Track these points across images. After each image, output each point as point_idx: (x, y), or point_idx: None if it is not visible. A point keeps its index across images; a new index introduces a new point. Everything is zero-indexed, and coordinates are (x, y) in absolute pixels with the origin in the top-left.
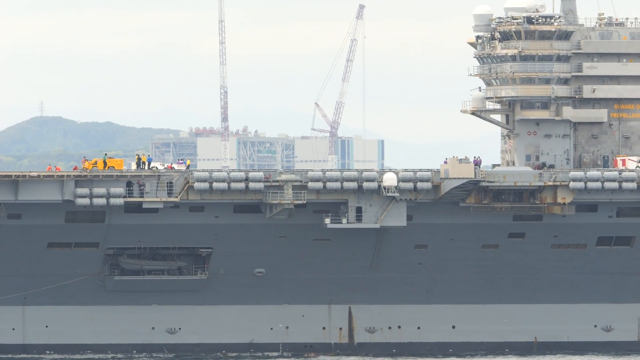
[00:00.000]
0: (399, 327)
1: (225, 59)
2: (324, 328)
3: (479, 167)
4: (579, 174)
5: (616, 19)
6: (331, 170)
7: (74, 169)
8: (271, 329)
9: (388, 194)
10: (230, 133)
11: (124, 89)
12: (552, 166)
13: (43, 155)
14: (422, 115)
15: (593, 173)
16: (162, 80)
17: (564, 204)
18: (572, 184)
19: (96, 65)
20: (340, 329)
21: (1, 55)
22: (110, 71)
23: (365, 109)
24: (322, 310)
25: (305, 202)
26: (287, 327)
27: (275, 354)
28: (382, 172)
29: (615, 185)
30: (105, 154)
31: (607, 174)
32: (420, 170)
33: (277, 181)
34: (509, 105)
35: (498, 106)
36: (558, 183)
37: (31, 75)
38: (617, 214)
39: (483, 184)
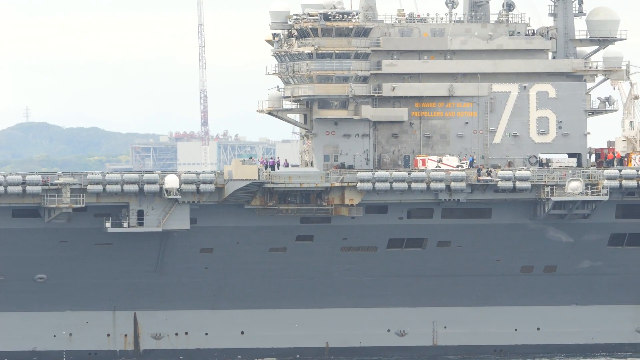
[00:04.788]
0: (186, 333)
1: (205, 63)
2: (108, 335)
3: (273, 168)
4: (367, 174)
5: (418, 15)
6: (111, 172)
7: None
8: (54, 336)
9: (170, 197)
10: (210, 137)
11: (111, 94)
12: (351, 166)
13: (27, 161)
14: None
15: (381, 174)
16: (149, 85)
17: (352, 205)
18: (359, 185)
19: (83, 70)
20: (126, 335)
21: None
22: (97, 76)
23: None
24: (106, 316)
25: (84, 205)
26: (70, 334)
27: None
28: (164, 174)
29: (404, 185)
30: None
31: (396, 174)
32: (204, 172)
33: (56, 184)
34: (307, 105)
35: (296, 105)
36: (345, 184)
37: (17, 81)
38: (408, 215)
39: (268, 185)
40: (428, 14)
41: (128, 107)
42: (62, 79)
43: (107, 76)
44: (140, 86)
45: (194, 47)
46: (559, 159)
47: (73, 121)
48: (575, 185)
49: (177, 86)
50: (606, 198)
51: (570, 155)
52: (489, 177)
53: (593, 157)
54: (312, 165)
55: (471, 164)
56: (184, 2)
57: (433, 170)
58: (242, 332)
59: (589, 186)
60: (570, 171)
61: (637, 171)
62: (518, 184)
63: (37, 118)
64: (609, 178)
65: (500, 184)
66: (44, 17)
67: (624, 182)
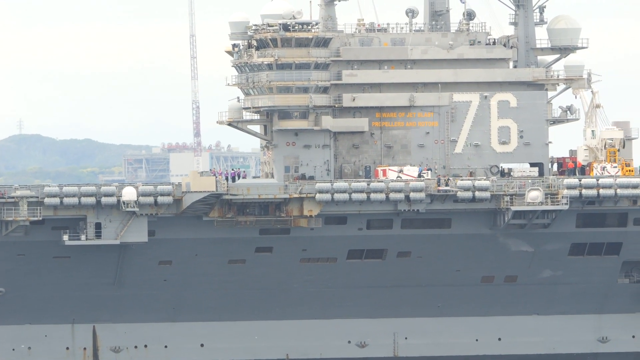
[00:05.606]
0: (145, 346)
1: (197, 74)
2: (67, 348)
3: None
4: (325, 185)
5: (378, 25)
6: (68, 185)
7: None
8: (13, 349)
9: (128, 209)
10: (203, 148)
11: (104, 105)
12: (311, 177)
13: (20, 173)
14: None
15: (340, 184)
16: (142, 96)
17: (311, 216)
18: (318, 196)
19: (76, 82)
20: (85, 349)
21: None
22: (90, 88)
23: None
24: (65, 329)
25: (41, 218)
26: (29, 348)
27: None
28: (121, 186)
29: (363, 196)
30: None
31: (355, 184)
32: (161, 184)
33: (13, 197)
34: (267, 116)
35: (256, 116)
36: (304, 195)
37: (10, 93)
38: (367, 225)
39: (226, 197)
40: (388, 24)
41: (121, 118)
42: (55, 91)
43: (100, 87)
44: (134, 97)
45: (187, 57)
46: (521, 168)
47: (66, 133)
48: (534, 195)
49: (170, 97)
50: (566, 207)
51: (532, 165)
52: (447, 187)
53: (555, 166)
54: (272, 176)
55: (419, 175)
56: (175, 12)
57: (392, 180)
58: (202, 345)
59: (549, 195)
60: (529, 181)
61: (597, 180)
62: (477, 193)
63: (30, 130)
64: (569, 187)
65: (460, 194)
66: (37, 28)
67: (584, 191)
